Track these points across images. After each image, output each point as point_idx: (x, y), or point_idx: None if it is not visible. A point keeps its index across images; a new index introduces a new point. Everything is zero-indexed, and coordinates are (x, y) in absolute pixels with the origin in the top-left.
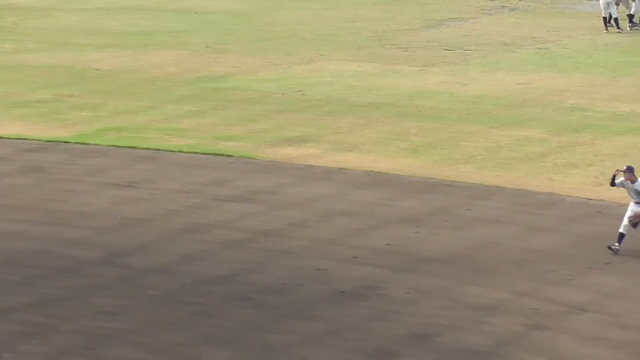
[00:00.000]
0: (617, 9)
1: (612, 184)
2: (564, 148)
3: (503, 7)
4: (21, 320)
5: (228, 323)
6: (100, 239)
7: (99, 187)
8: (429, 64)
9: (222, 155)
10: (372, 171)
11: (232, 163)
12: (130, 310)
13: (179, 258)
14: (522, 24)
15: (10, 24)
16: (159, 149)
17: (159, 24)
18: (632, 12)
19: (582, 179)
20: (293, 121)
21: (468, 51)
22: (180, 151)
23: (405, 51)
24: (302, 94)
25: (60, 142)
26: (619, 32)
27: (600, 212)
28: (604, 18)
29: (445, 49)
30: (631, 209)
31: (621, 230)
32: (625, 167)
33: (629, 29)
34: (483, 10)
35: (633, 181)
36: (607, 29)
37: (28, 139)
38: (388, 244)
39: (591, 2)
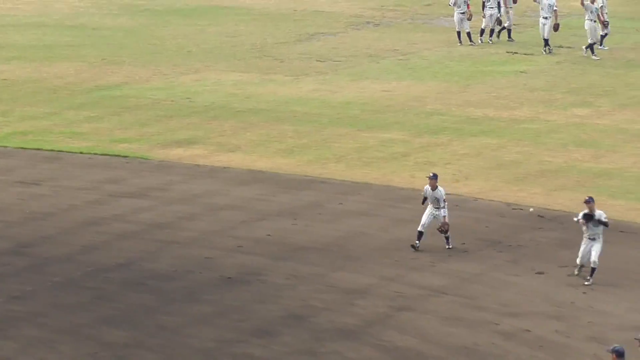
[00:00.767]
0: (469, 24)
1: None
2: (424, 148)
3: (368, 22)
4: None
5: (125, 306)
6: (9, 232)
7: (8, 185)
8: (302, 74)
9: (118, 156)
10: (253, 170)
11: (127, 163)
12: (37, 295)
13: (81, 248)
14: (385, 38)
15: None
16: (61, 151)
17: (60, 39)
18: (507, 27)
19: (441, 176)
20: (181, 125)
21: (337, 62)
22: (80, 152)
23: (281, 62)
24: (190, 101)
25: None
26: (471, 44)
27: (457, 206)
28: (458, 32)
29: (317, 60)
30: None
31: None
32: (431, 174)
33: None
34: (350, 25)
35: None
36: (460, 42)
37: None
38: (268, 235)
39: (447, 18)
